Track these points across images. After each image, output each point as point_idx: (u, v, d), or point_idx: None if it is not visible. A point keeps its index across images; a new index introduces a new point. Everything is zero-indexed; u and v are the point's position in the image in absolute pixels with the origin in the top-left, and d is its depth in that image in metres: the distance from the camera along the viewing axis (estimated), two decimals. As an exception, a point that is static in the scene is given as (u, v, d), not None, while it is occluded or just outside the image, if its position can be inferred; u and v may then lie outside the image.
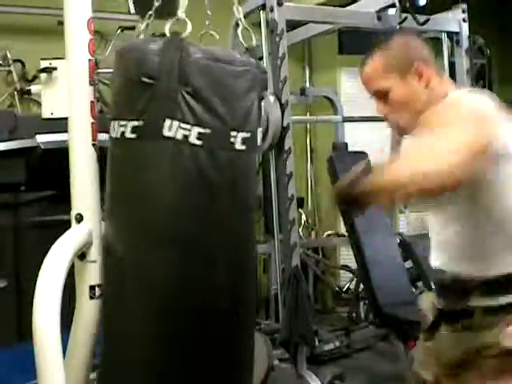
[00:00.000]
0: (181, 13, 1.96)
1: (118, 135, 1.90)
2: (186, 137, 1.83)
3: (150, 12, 2.04)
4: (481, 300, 1.79)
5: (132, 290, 1.92)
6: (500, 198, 1.76)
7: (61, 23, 2.15)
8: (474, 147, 1.58)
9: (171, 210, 1.88)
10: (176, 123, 1.83)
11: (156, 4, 2.03)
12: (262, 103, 2.00)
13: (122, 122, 1.88)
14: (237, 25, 2.12)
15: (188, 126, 1.83)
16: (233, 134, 1.88)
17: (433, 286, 2.00)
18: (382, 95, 1.90)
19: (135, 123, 1.85)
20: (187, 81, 1.83)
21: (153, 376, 1.92)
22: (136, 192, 1.90)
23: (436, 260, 1.92)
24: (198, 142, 1.84)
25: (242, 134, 1.89)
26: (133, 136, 1.86)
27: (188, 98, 1.83)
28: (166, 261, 1.88)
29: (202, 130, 1.83)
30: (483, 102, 1.76)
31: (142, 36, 2.06)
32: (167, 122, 1.83)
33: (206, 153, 1.85)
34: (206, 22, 2.16)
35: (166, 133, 1.84)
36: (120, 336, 1.97)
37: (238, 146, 1.89)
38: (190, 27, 1.93)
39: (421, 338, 2.07)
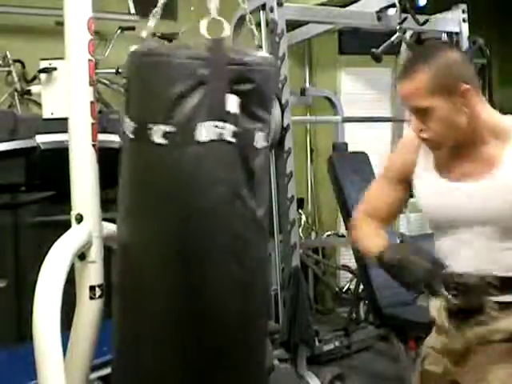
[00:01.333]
0: (215, 12, 1.93)
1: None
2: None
3: (156, 9, 2.01)
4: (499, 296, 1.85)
5: (151, 294, 1.91)
6: None
7: (58, 23, 2.15)
8: None
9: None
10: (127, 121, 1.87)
11: (160, 4, 2.01)
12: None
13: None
14: (241, 23, 2.10)
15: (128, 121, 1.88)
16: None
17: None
18: (422, 113, 1.83)
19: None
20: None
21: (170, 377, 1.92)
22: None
23: (466, 266, 1.91)
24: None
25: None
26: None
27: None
28: (188, 264, 1.88)
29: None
30: None
31: (146, 37, 2.03)
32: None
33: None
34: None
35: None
36: (138, 339, 1.96)
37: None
38: (228, 28, 1.90)
39: (433, 336, 2.09)
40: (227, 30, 1.89)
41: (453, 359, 1.96)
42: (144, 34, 1.98)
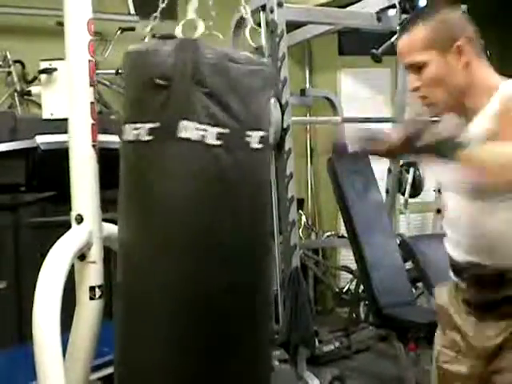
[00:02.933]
0: (192, 13, 1.94)
1: (132, 138, 1.87)
2: (202, 137, 1.82)
3: (155, 14, 2.03)
4: None
5: (150, 294, 1.90)
6: None
7: (59, 24, 2.15)
8: None
9: (188, 212, 1.86)
10: (191, 124, 1.82)
11: (161, 5, 2.02)
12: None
13: (137, 125, 1.86)
14: (240, 24, 2.12)
15: (203, 127, 1.82)
16: (248, 133, 1.87)
17: (455, 279, 1.98)
18: (416, 69, 1.83)
19: (151, 125, 1.84)
20: (202, 81, 1.82)
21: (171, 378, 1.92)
22: (152, 194, 1.88)
23: (469, 254, 1.89)
24: (217, 142, 1.83)
25: (258, 133, 1.89)
26: (148, 138, 1.84)
27: (204, 98, 1.82)
28: (185, 263, 1.87)
29: (221, 130, 1.83)
30: None
31: (146, 38, 2.04)
32: (182, 124, 1.82)
33: (224, 153, 1.84)
34: (210, 23, 2.15)
35: (182, 134, 1.83)
36: (138, 339, 1.94)
37: (255, 145, 1.88)
38: (201, 28, 1.92)
39: (439, 334, 2.07)
40: (201, 30, 1.91)
41: (482, 359, 1.90)
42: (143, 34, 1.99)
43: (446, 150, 1.63)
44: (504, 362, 1.85)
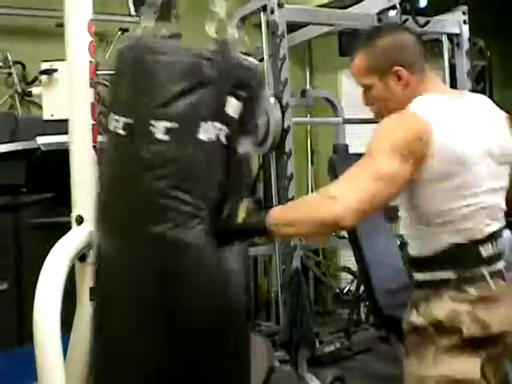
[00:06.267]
0: (222, 14, 1.94)
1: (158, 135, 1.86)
2: (115, 128, 1.87)
3: (154, 14, 2.02)
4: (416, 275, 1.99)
5: (127, 309, 1.87)
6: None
7: (59, 25, 2.15)
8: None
9: None
10: (113, 116, 1.89)
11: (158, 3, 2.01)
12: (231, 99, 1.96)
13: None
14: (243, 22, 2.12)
15: (117, 117, 1.87)
16: (152, 122, 1.83)
17: None
18: (365, 88, 2.02)
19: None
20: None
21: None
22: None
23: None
24: (123, 133, 1.86)
25: (163, 124, 1.83)
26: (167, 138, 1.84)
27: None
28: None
29: (127, 120, 1.86)
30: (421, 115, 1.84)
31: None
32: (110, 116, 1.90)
33: (130, 142, 1.86)
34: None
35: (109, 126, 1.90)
36: (113, 355, 1.92)
37: (159, 135, 1.83)
38: (233, 31, 1.92)
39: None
40: (233, 32, 1.90)
41: None
42: (138, 31, 1.98)
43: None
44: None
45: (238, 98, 1.87)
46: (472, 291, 1.83)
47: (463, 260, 1.86)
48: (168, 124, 1.81)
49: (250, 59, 2.02)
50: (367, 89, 2.01)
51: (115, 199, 1.91)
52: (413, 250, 1.99)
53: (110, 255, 1.89)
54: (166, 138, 1.81)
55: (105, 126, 1.93)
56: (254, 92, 1.93)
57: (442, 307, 1.84)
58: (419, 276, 1.96)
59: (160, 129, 1.81)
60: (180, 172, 1.83)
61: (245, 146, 1.94)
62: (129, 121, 1.84)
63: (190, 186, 1.83)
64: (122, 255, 1.87)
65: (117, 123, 1.86)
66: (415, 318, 1.89)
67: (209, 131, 1.83)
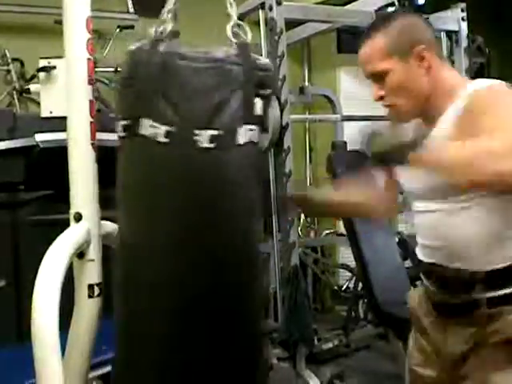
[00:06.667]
0: (235, 17, 1.94)
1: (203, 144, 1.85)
2: (155, 134, 1.83)
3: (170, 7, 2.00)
4: (485, 292, 1.77)
5: (153, 294, 1.89)
6: None
7: (57, 22, 2.15)
8: None
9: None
10: (148, 122, 1.84)
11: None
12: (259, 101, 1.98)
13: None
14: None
15: (157, 124, 1.84)
16: (196, 131, 1.83)
17: (426, 282, 1.98)
18: (379, 77, 1.84)
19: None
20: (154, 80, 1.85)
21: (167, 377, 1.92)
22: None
23: (431, 256, 1.90)
24: (164, 140, 1.83)
25: (207, 132, 1.83)
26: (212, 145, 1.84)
27: (155, 97, 1.84)
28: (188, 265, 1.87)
29: (168, 129, 1.83)
30: None
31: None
32: (143, 122, 1.84)
33: (170, 150, 1.84)
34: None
35: (142, 131, 1.85)
36: (140, 338, 1.93)
37: (204, 144, 1.83)
38: (249, 33, 1.91)
39: (412, 336, 2.08)
40: (250, 35, 1.90)
41: (449, 363, 1.88)
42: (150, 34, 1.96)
43: (398, 155, 1.62)
44: (467, 369, 1.83)
45: (261, 97, 1.89)
46: None
47: None
48: (213, 132, 1.82)
49: (263, 58, 2.03)
50: (382, 76, 1.83)
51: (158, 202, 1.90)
52: (489, 263, 1.77)
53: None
54: (211, 145, 1.82)
55: (134, 130, 1.90)
56: (272, 90, 1.94)
57: None
58: (494, 293, 1.77)
59: (205, 137, 1.82)
60: (223, 178, 1.86)
61: (262, 142, 1.96)
62: (171, 129, 1.84)
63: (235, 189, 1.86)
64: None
65: (156, 130, 1.86)
66: None
67: (245, 134, 1.85)
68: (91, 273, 2.11)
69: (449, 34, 4.57)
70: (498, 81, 1.74)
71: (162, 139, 1.85)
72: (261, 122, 1.90)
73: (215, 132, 1.82)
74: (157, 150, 1.86)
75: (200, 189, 1.86)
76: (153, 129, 1.84)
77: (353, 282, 5.22)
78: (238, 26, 1.89)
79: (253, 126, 1.87)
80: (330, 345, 4.54)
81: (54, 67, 2.45)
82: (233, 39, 1.89)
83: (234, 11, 1.92)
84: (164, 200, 1.90)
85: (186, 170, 1.87)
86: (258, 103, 1.89)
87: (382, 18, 1.92)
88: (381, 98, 1.87)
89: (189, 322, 1.89)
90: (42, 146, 3.20)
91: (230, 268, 1.89)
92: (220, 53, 1.88)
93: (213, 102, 1.83)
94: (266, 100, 1.92)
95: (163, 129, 1.84)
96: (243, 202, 1.89)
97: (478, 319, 1.79)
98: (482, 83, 1.75)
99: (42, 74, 2.50)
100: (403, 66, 1.80)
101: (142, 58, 1.87)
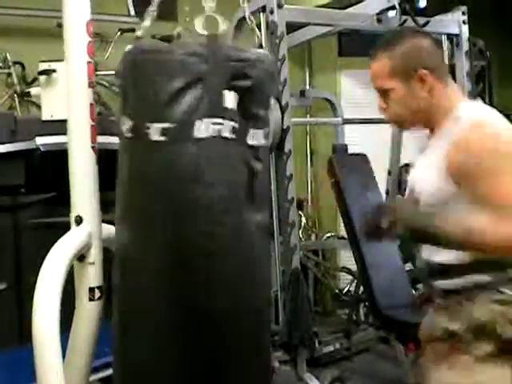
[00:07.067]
0: (210, 10, 1.95)
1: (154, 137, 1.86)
2: (125, 130, 1.91)
3: (153, 9, 2.02)
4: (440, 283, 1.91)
5: (150, 296, 1.91)
6: None
7: (60, 25, 2.15)
8: None
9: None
10: (123, 118, 1.91)
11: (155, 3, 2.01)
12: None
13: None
14: (241, 25, 2.12)
15: (125, 120, 1.90)
16: (147, 125, 1.85)
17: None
18: (383, 92, 1.98)
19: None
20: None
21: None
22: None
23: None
24: (129, 135, 1.89)
25: (158, 125, 1.84)
26: (163, 139, 1.86)
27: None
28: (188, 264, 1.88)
29: (130, 123, 1.88)
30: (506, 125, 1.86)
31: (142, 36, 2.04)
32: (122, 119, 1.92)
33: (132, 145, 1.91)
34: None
35: (121, 128, 1.92)
36: (138, 340, 1.95)
37: (155, 137, 1.84)
38: (224, 24, 1.94)
39: None
40: (224, 27, 1.91)
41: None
42: (139, 33, 1.98)
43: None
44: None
45: (237, 89, 1.86)
46: (508, 292, 1.81)
47: (504, 263, 1.82)
48: (164, 125, 1.82)
49: (260, 51, 2.02)
50: (386, 92, 1.97)
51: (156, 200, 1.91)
52: (444, 258, 1.88)
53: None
54: (162, 138, 1.82)
55: (119, 129, 1.92)
56: (256, 82, 1.91)
57: (479, 309, 1.80)
58: (448, 283, 1.89)
59: (156, 130, 1.82)
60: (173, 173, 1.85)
61: (256, 138, 1.94)
62: (131, 123, 1.88)
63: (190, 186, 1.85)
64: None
65: (125, 125, 1.89)
66: (448, 323, 1.84)
67: (206, 128, 1.83)
68: (92, 276, 2.11)
69: (450, 37, 4.57)
70: (491, 114, 1.88)
71: (128, 134, 1.88)
72: (235, 116, 1.86)
73: (166, 125, 1.82)
74: (124, 144, 1.92)
75: (154, 183, 1.87)
76: (123, 125, 1.89)
77: (354, 285, 5.22)
78: (213, 18, 1.92)
79: (221, 120, 1.84)
80: (331, 348, 4.53)
81: (55, 70, 2.45)
82: (202, 31, 1.88)
83: (208, 4, 1.93)
84: (127, 196, 1.94)
85: (141, 164, 1.88)
86: (230, 95, 1.86)
87: (390, 37, 2.03)
88: (383, 109, 2.02)
89: (187, 321, 1.89)
90: (42, 149, 3.20)
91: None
92: (183, 45, 1.89)
93: (165, 95, 1.82)
94: (247, 92, 1.89)
95: (128, 124, 1.87)
96: (200, 200, 1.85)
97: (442, 306, 1.93)
98: (476, 115, 1.88)
99: (42, 78, 2.50)
100: (405, 87, 1.93)
101: (124, 58, 1.93)
